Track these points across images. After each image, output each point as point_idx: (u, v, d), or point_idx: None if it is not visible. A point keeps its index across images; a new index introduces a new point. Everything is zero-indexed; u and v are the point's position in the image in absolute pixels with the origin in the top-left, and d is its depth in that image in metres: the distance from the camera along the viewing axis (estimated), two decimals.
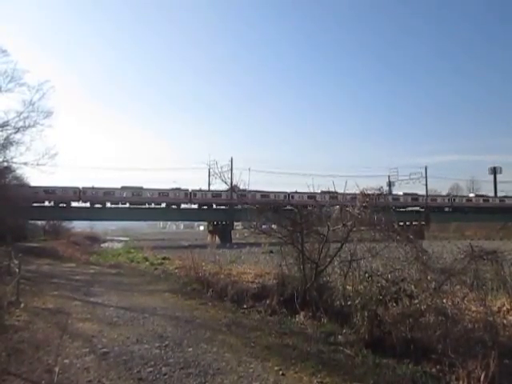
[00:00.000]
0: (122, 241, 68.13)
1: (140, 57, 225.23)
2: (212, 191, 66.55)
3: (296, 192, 66.36)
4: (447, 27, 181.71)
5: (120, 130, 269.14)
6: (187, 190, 65.58)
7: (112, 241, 68.35)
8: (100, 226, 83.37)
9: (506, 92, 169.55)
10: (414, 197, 79.08)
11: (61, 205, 58.71)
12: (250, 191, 63.11)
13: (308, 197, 63.45)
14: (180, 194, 65.25)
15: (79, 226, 67.86)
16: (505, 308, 7.87)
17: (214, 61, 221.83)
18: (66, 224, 60.13)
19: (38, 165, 28.32)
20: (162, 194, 64.63)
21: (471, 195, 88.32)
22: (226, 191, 65.35)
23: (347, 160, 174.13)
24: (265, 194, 65.20)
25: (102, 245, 55.07)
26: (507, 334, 6.35)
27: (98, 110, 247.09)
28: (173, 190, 65.00)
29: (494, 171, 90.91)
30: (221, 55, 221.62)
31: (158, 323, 8.18)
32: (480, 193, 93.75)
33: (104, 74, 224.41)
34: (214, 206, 68.40)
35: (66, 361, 5.88)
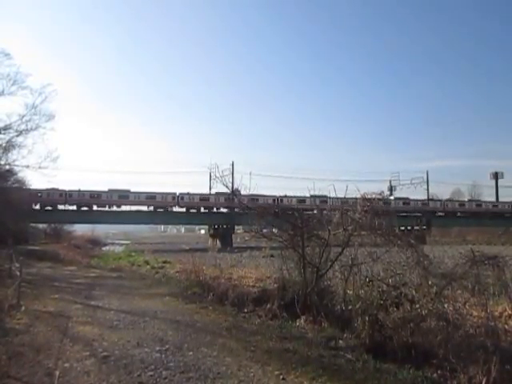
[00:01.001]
0: (122, 244, 68.26)
1: (143, 57, 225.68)
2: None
3: (188, 193, 67.93)
4: (448, 34, 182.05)
5: (122, 132, 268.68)
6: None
7: (113, 244, 68.44)
8: (101, 230, 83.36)
9: (507, 98, 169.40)
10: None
11: None
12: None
13: (200, 199, 67.87)
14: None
15: (80, 229, 67.95)
16: (506, 313, 7.85)
17: (216, 62, 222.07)
18: (68, 227, 60.18)
19: (39, 168, 28.43)
20: None
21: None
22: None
23: (350, 165, 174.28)
24: (151, 196, 66.09)
25: (103, 248, 55.09)
26: (509, 340, 6.33)
27: (99, 110, 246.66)
28: None
29: (496, 176, 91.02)
30: (223, 57, 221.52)
31: (158, 327, 8.17)
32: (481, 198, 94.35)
33: (105, 73, 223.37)
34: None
35: (67, 364, 5.87)
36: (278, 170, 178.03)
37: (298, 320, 8.27)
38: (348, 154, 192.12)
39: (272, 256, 14.07)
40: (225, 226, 69.06)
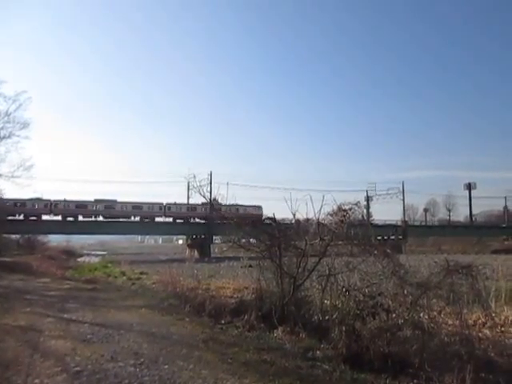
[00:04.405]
0: (99, 255, 67.08)
1: (125, 62, 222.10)
2: None
3: (64, 200, 65.63)
4: (430, 44, 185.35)
5: (107, 140, 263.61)
6: None
7: (89, 255, 67.15)
8: (77, 240, 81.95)
9: (482, 111, 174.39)
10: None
11: None
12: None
13: (76, 206, 65.72)
14: None
15: (55, 239, 66.68)
16: (480, 321, 7.98)
17: (200, 70, 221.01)
18: (42, 238, 58.92)
19: (12, 177, 27.84)
20: None
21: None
22: None
23: (332, 174, 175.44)
24: (22, 203, 62.26)
25: (79, 259, 53.91)
26: (483, 348, 6.42)
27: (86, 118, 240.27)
28: None
29: (469, 187, 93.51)
30: (208, 64, 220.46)
31: (133, 340, 7.99)
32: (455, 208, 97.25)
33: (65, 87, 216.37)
34: None
35: (37, 381, 5.66)
36: (260, 181, 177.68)
37: (275, 331, 8.23)
38: (331, 164, 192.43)
39: (250, 266, 14.04)
40: (203, 237, 68.85)
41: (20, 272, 24.78)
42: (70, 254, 60.04)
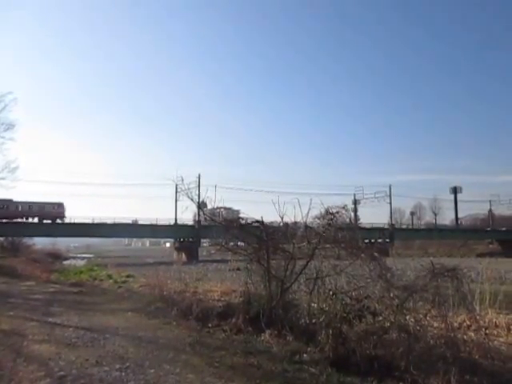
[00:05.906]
0: (85, 258, 66.43)
1: (110, 69, 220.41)
2: None
3: None
4: (425, 47, 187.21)
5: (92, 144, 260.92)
6: None
7: (75, 258, 66.46)
8: (62, 243, 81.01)
9: (469, 116, 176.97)
10: None
11: None
12: None
13: None
14: None
15: (40, 242, 65.81)
16: (465, 324, 8.03)
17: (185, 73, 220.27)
18: (27, 240, 58.17)
19: None
20: None
21: None
22: None
23: (324, 177, 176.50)
24: None
25: (65, 262, 53.37)
26: (467, 350, 6.46)
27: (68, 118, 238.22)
28: None
29: (455, 190, 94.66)
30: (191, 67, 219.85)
31: (119, 344, 7.91)
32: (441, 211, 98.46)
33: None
34: None
35: None
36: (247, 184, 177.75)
37: (262, 334, 8.20)
38: (320, 167, 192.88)
39: (238, 269, 14.01)
40: (190, 240, 68.52)
41: (4, 275, 24.40)
42: (56, 256, 59.39)
